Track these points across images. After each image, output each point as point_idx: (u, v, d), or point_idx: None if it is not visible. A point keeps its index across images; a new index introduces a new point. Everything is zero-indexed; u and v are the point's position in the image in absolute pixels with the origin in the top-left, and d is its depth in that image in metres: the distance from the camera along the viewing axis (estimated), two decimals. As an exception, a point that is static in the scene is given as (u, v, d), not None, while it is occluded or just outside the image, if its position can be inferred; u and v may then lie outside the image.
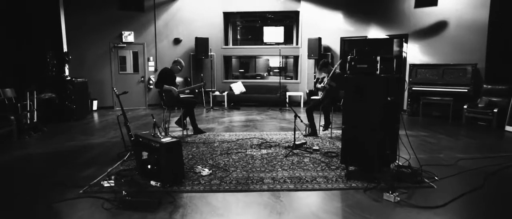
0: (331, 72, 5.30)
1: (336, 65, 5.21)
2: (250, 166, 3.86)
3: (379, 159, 3.36)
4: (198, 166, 3.68)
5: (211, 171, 3.57)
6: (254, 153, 4.41)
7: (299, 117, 4.43)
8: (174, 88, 5.21)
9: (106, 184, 3.17)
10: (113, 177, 3.25)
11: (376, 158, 3.34)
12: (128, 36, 9.15)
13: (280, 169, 3.73)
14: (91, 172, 3.68)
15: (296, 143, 4.61)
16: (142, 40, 9.36)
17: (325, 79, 5.45)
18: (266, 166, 3.86)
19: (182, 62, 5.39)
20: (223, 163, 3.97)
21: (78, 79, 7.45)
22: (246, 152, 4.49)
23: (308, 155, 4.34)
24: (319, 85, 5.53)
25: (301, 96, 9.70)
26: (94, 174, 3.59)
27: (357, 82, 3.40)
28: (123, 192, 2.86)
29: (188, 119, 5.55)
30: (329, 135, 5.53)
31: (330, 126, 5.52)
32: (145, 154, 3.39)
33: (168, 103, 5.26)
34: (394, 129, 3.59)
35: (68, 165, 4.08)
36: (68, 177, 3.55)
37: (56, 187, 3.22)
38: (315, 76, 9.39)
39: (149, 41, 9.45)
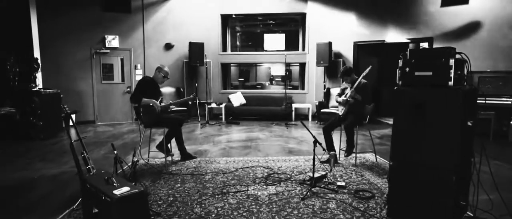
0: (356, 82, 4.16)
1: (363, 73, 4.07)
2: (254, 217, 2.68)
3: (452, 211, 2.20)
4: (178, 222, 2.50)
5: (196, 230, 2.40)
6: (259, 192, 3.24)
7: (320, 144, 3.27)
8: (156, 102, 4.06)
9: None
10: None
11: (451, 210, 2.18)
12: (112, 41, 8.04)
13: (298, 224, 2.56)
14: (22, 229, 2.51)
15: (315, 175, 3.43)
16: (128, 46, 8.25)
17: (348, 91, 4.31)
18: (276, 216, 2.69)
19: (166, 69, 4.24)
20: (216, 211, 2.79)
21: (47, 90, 6.29)
22: (247, 190, 3.31)
23: (333, 195, 3.17)
24: (339, 99, 4.38)
25: (308, 108, 8.55)
26: (25, 233, 2.42)
27: (417, 98, 2.26)
28: None
29: (174, 140, 4.39)
30: (353, 161, 4.37)
31: (353, 150, 4.34)
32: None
33: (147, 122, 4.10)
34: (468, 165, 2.44)
35: (-2, 212, 2.91)
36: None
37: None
38: (325, 86, 8.26)
39: (136, 47, 8.33)
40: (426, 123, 2.21)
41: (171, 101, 4.26)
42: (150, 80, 4.20)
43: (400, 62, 2.38)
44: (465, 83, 2.44)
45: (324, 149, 3.37)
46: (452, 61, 2.13)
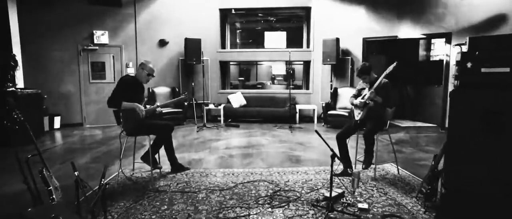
0: (377, 82, 3.53)
1: (386, 71, 3.44)
2: (258, 259, 2.06)
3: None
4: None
5: None
6: (264, 218, 2.61)
7: (337, 156, 2.65)
8: (139, 105, 3.43)
9: None
10: None
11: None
12: (101, 37, 7.40)
13: (317, 270, 1.93)
14: None
15: (331, 195, 2.81)
16: (118, 42, 7.61)
17: (365, 92, 3.68)
18: (288, 257, 2.07)
19: (151, 65, 3.59)
20: (209, 249, 2.17)
21: (26, 90, 5.67)
22: (249, 215, 2.68)
23: (356, 222, 2.55)
24: (356, 101, 3.76)
25: (314, 110, 7.91)
26: None
27: (487, 105, 1.63)
28: None
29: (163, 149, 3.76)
30: (371, 174, 3.74)
31: (372, 162, 3.71)
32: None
33: (130, 129, 3.46)
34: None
35: None
36: None
37: None
38: (332, 86, 7.65)
39: (127, 43, 7.70)
40: (502, 138, 1.58)
41: (158, 104, 3.62)
42: (130, 80, 3.54)
43: (458, 56, 1.75)
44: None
45: (340, 160, 2.74)
46: (541, 52, 1.51)
